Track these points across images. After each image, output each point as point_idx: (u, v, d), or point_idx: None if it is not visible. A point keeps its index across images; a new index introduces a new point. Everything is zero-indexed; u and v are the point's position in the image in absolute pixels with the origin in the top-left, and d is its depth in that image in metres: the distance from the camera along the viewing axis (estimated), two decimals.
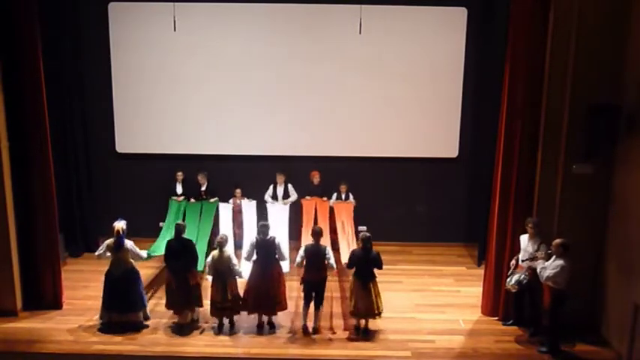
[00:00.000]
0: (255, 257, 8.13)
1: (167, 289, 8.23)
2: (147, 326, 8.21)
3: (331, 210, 10.45)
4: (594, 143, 7.66)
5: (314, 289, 8.12)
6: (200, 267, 8.50)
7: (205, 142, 11.04)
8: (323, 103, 10.94)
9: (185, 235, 8.40)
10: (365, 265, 7.99)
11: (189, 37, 10.59)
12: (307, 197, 10.61)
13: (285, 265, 8.48)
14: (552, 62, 7.82)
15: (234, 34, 10.71)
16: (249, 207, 10.35)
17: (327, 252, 8.08)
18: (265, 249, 8.08)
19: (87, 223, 10.83)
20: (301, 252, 8.15)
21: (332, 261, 8.08)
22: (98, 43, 10.69)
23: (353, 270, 8.11)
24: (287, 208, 10.38)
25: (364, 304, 7.97)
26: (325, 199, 10.62)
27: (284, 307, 8.22)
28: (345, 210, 10.41)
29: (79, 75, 10.48)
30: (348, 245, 9.55)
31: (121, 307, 8.09)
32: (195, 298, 8.22)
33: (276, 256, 8.12)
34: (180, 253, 8.11)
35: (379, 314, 8.07)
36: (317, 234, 8.14)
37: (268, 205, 10.44)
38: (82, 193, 10.71)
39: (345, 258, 8.93)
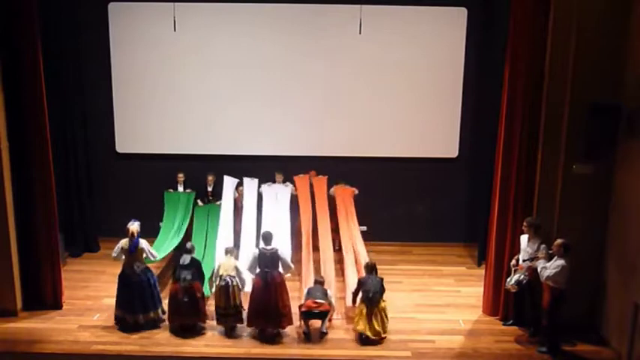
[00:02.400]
0: (257, 270, 8.03)
1: (171, 300, 8.12)
2: (164, 320, 8.24)
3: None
4: (594, 143, 7.65)
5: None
6: (207, 292, 8.46)
7: (205, 142, 11.02)
8: (323, 103, 10.93)
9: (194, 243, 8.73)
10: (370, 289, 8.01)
11: (189, 37, 10.58)
12: (300, 175, 10.55)
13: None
14: (552, 62, 7.82)
15: (233, 35, 10.71)
16: (251, 184, 10.35)
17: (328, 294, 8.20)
18: (268, 261, 7.98)
19: (87, 223, 10.82)
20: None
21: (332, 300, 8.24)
22: (98, 43, 10.68)
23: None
24: (288, 189, 10.37)
25: (367, 327, 7.91)
26: (320, 176, 10.56)
27: (290, 322, 8.05)
28: (347, 196, 10.33)
29: (79, 75, 10.47)
30: (351, 251, 9.51)
31: (138, 308, 8.07)
32: (200, 311, 8.10)
33: (280, 268, 8.06)
34: (189, 267, 8.15)
35: (381, 338, 7.96)
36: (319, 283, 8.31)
37: (263, 189, 10.34)
38: (82, 193, 10.71)
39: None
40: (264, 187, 10.42)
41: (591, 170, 7.84)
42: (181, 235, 9.76)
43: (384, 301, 8.06)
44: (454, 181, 11.24)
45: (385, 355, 7.68)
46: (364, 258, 9.05)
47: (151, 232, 9.94)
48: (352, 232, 9.76)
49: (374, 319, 7.89)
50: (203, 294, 8.20)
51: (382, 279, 8.15)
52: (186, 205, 10.29)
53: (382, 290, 8.05)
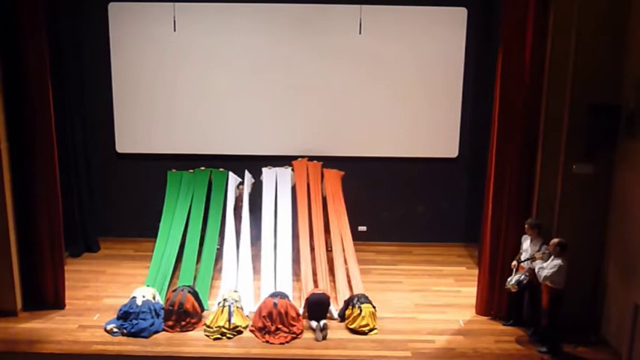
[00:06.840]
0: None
1: (166, 308, 8.21)
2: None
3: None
4: (594, 143, 7.66)
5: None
6: (206, 306, 8.56)
7: (205, 142, 11.03)
8: (322, 103, 10.93)
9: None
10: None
11: (190, 37, 10.59)
12: (298, 159, 10.65)
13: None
14: (552, 62, 7.82)
15: (234, 35, 10.71)
16: (249, 181, 10.50)
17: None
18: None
19: (87, 223, 10.81)
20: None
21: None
22: (98, 43, 10.68)
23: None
24: (289, 171, 10.48)
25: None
26: (316, 161, 10.65)
27: (298, 336, 8.08)
28: (333, 179, 10.41)
29: (79, 75, 10.46)
30: (341, 242, 9.66)
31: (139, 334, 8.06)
32: (187, 322, 8.16)
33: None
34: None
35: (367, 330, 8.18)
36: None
37: (264, 172, 10.50)
38: (82, 193, 10.69)
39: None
40: (265, 170, 10.51)
41: (591, 170, 7.85)
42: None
43: (373, 307, 8.31)
44: (454, 181, 11.24)
45: (385, 355, 7.68)
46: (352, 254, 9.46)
47: (150, 232, 9.98)
48: (341, 219, 9.93)
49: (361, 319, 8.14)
50: (196, 310, 8.27)
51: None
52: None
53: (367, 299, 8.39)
